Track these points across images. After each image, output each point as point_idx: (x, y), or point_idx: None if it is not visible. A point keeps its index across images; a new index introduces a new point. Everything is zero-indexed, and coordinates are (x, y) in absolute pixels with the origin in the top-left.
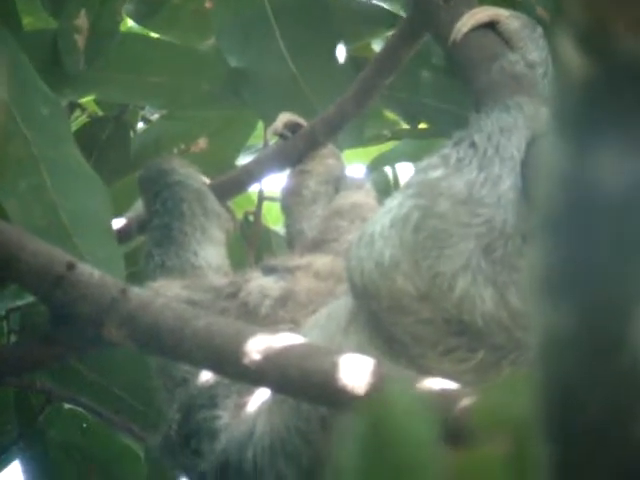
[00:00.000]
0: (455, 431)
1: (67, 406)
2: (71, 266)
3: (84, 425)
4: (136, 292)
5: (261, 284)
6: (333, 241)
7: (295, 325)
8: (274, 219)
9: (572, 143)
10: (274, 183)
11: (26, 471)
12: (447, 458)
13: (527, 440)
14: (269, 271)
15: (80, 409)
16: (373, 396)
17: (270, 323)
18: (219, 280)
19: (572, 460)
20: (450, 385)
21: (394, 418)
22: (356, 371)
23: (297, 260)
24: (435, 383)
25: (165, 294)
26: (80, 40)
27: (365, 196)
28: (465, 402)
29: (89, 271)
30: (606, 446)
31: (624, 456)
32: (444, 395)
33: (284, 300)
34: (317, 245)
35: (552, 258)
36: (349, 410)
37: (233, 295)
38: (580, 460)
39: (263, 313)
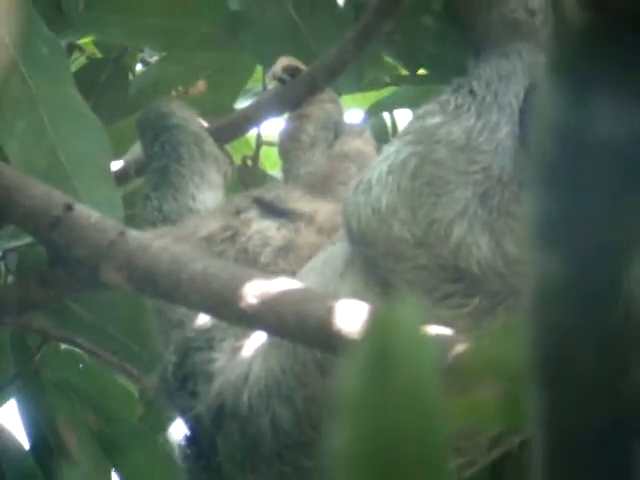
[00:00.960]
0: (449, 377)
1: (63, 346)
2: (69, 208)
3: (80, 365)
4: (134, 235)
5: (262, 230)
6: (341, 184)
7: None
8: (272, 164)
9: (568, 91)
10: (272, 127)
11: (22, 410)
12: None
13: (519, 386)
14: (266, 209)
15: (76, 349)
16: (377, 321)
17: (269, 272)
18: (211, 224)
19: (563, 406)
20: (445, 331)
21: (399, 340)
22: (351, 316)
23: (297, 201)
24: (430, 329)
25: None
26: None
27: (364, 143)
28: (460, 348)
29: (87, 213)
30: (597, 393)
31: (614, 404)
32: (439, 341)
33: (285, 251)
34: (323, 185)
35: (547, 206)
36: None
37: (230, 239)
38: (570, 406)
39: (263, 261)
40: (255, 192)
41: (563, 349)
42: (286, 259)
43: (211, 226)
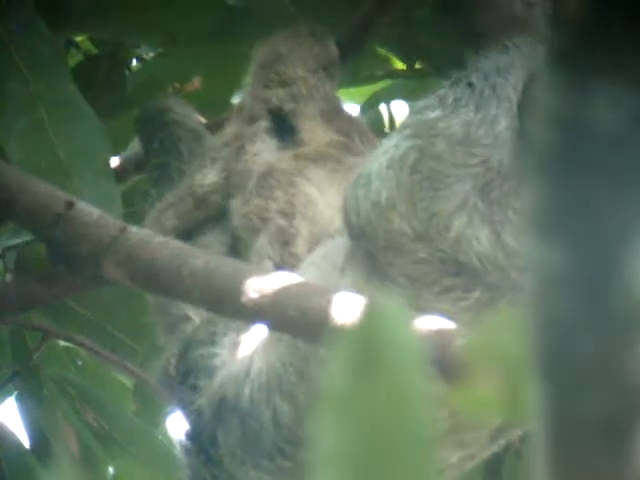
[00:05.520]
0: (451, 368)
1: (62, 343)
2: (70, 205)
3: (79, 362)
4: (135, 231)
5: (259, 152)
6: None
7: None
8: None
9: (567, 80)
10: None
11: (21, 408)
12: (443, 394)
13: (520, 378)
14: (277, 123)
15: (75, 347)
16: (362, 316)
17: (248, 200)
18: (230, 129)
19: (563, 397)
20: (446, 324)
21: (384, 335)
22: (352, 310)
23: (308, 121)
24: (431, 322)
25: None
26: None
27: None
28: (460, 340)
29: (88, 210)
30: (598, 383)
31: (616, 394)
32: (440, 334)
33: (262, 178)
34: (340, 122)
35: (546, 196)
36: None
37: (237, 151)
38: (571, 397)
39: (249, 188)
40: (279, 95)
41: (563, 339)
42: (259, 188)
43: (229, 132)
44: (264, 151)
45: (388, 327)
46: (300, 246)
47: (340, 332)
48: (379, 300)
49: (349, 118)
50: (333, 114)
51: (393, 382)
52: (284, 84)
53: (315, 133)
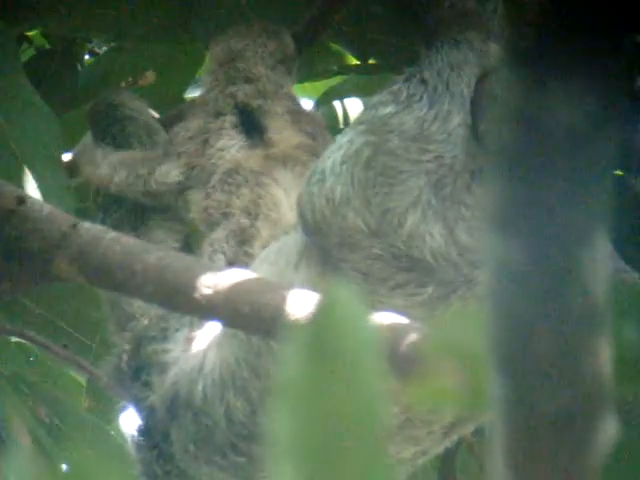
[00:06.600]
0: (404, 363)
1: (14, 339)
2: (21, 201)
3: (31, 358)
4: (86, 227)
5: (224, 148)
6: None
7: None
8: None
9: (524, 81)
10: None
11: None
12: (397, 389)
13: (476, 371)
14: (244, 119)
15: (27, 342)
16: (317, 307)
17: (209, 195)
18: (194, 123)
19: (521, 390)
20: (399, 319)
21: (338, 326)
22: (306, 306)
23: (276, 120)
24: (385, 317)
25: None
26: None
27: None
28: (414, 335)
29: (39, 205)
30: (555, 377)
31: (572, 387)
32: (394, 329)
33: (226, 176)
34: (307, 122)
35: (505, 193)
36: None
37: (202, 145)
38: (529, 390)
39: (211, 184)
40: (245, 90)
41: (520, 334)
42: (224, 183)
43: (193, 125)
44: (231, 147)
45: (343, 318)
46: (256, 247)
47: (295, 323)
48: (334, 292)
49: (313, 118)
50: (299, 114)
51: (347, 373)
52: (249, 80)
53: (284, 134)
